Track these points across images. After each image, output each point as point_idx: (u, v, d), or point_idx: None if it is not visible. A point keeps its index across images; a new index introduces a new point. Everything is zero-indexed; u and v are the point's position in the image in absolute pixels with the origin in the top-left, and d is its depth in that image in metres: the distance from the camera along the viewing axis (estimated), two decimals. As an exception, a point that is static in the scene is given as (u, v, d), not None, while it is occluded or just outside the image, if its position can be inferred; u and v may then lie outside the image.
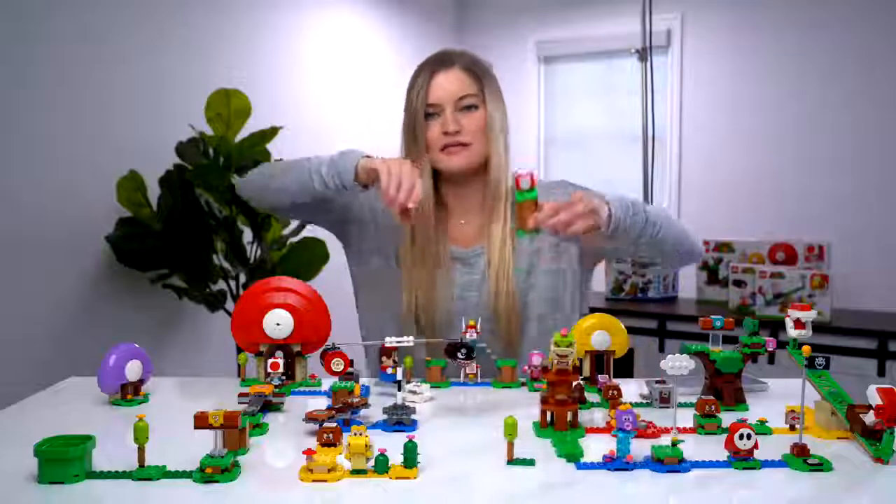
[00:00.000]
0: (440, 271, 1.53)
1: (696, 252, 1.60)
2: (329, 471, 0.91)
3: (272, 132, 2.67)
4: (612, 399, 1.20)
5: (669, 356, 1.04)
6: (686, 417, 1.15)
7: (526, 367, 1.36)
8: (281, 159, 2.84)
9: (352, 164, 1.40)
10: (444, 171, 1.54)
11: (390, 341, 1.23)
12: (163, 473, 0.92)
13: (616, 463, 0.95)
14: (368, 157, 1.41)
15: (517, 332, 1.51)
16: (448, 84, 1.51)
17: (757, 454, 0.96)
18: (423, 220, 1.51)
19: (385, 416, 1.13)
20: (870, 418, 1.02)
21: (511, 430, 0.95)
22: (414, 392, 1.26)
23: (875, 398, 1.01)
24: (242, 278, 2.77)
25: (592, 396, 1.28)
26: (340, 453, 0.95)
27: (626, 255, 1.55)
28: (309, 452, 0.92)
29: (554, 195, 1.50)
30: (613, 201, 1.40)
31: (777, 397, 1.30)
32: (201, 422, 0.94)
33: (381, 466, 0.92)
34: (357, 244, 1.60)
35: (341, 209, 1.57)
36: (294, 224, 2.85)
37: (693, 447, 1.03)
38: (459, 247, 1.57)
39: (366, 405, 1.13)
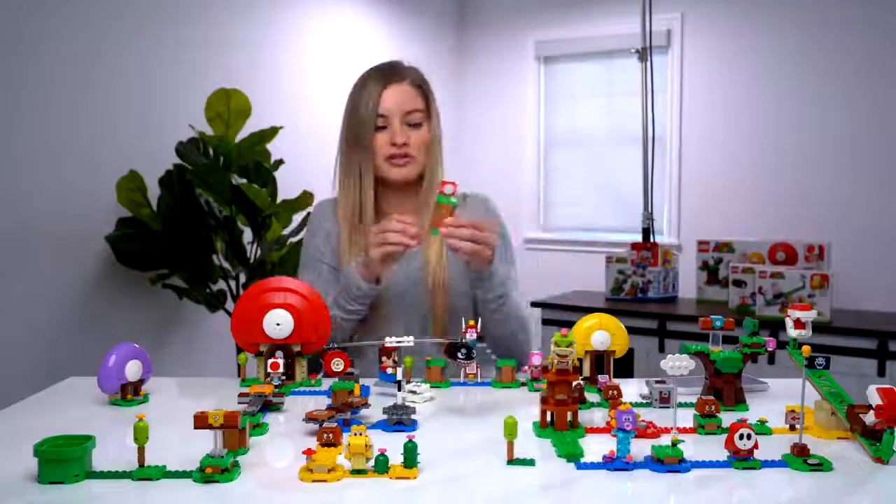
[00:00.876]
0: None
1: (525, 351, 1.58)
2: (329, 471, 0.91)
3: (272, 132, 2.68)
4: (612, 399, 1.20)
5: (669, 356, 1.04)
6: (686, 417, 1.15)
7: (526, 367, 1.36)
8: (281, 160, 2.86)
9: (355, 275, 1.48)
10: (386, 180, 1.59)
11: (390, 341, 1.23)
12: (163, 473, 0.92)
13: (616, 463, 0.95)
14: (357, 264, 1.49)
15: (448, 322, 1.56)
16: (399, 97, 1.56)
17: (757, 454, 0.96)
18: (362, 225, 1.57)
19: (385, 416, 1.13)
20: (870, 418, 1.02)
21: (511, 430, 0.95)
22: (414, 392, 1.26)
23: (875, 398, 1.01)
24: (242, 278, 2.77)
25: (592, 396, 1.28)
26: (340, 453, 0.95)
27: (481, 306, 1.56)
28: (309, 452, 0.92)
29: (470, 207, 1.64)
30: (498, 253, 1.50)
31: (777, 397, 1.30)
32: (201, 422, 0.94)
33: (381, 466, 0.92)
34: None
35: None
36: (294, 224, 2.85)
37: (693, 447, 1.03)
38: None
39: (366, 405, 1.13)
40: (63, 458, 0.89)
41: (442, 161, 1.64)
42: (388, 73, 1.58)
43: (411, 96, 1.58)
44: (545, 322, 3.41)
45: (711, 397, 1.12)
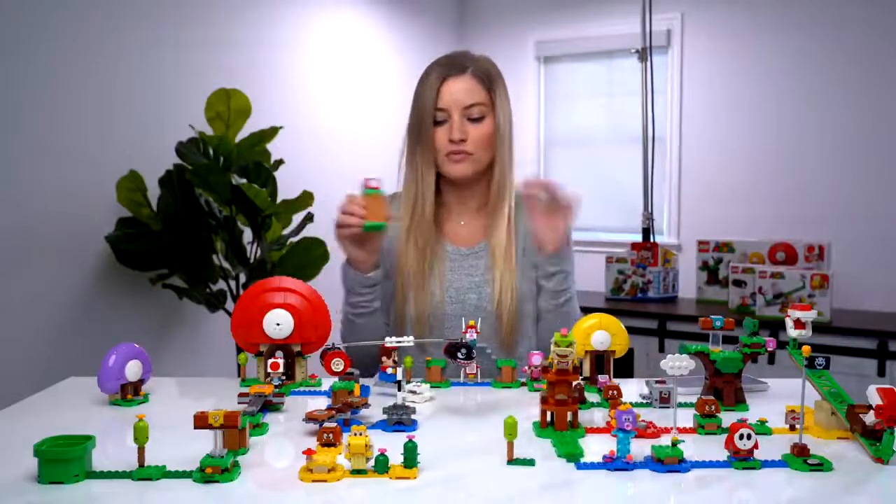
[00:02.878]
0: (436, 270, 1.53)
1: None
2: (329, 471, 0.91)
3: (272, 132, 2.67)
4: (612, 399, 1.20)
5: (669, 356, 1.04)
6: (686, 417, 1.15)
7: (526, 368, 1.36)
8: (281, 160, 2.85)
9: (347, 270, 1.48)
10: (446, 176, 1.55)
11: (390, 341, 1.23)
12: (163, 473, 0.92)
13: (616, 463, 0.95)
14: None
15: (515, 332, 1.52)
16: (458, 91, 1.50)
17: (757, 454, 0.96)
18: (422, 220, 1.53)
19: (385, 416, 1.13)
20: (870, 418, 1.02)
21: (511, 430, 0.95)
22: (414, 392, 1.26)
23: (875, 398, 1.01)
24: (242, 278, 2.77)
25: (592, 396, 1.28)
26: (340, 453, 0.95)
27: (544, 303, 1.56)
28: (309, 452, 0.92)
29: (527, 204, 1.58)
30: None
31: (777, 397, 1.30)
32: (201, 422, 0.94)
33: (381, 466, 0.92)
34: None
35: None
36: (294, 224, 2.85)
37: (693, 447, 1.03)
38: (458, 246, 1.58)
39: (366, 405, 1.13)
40: (63, 458, 0.89)
41: (511, 155, 1.57)
42: (448, 65, 1.53)
43: (472, 88, 1.51)
44: (545, 322, 3.41)
45: (711, 397, 1.12)
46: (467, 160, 1.52)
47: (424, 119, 1.51)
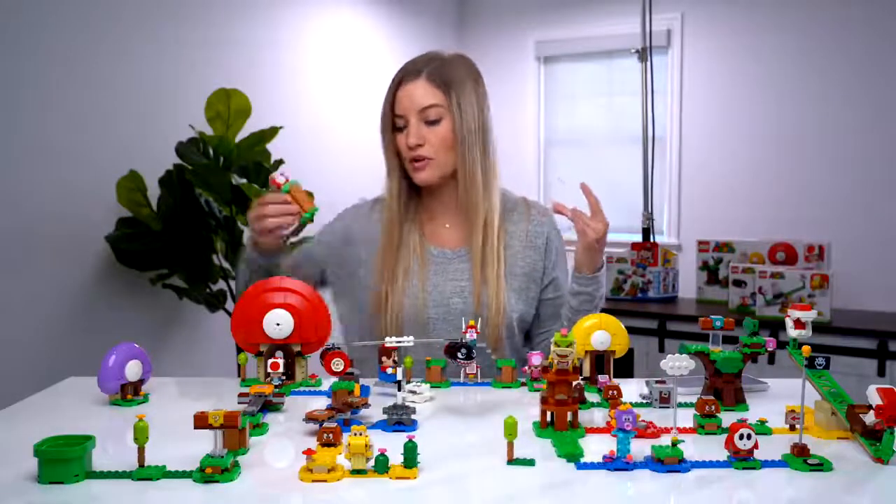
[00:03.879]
0: (419, 273, 1.51)
1: None
2: (329, 471, 0.91)
3: (272, 132, 2.68)
4: (612, 399, 1.20)
5: (669, 356, 1.04)
6: (686, 417, 1.15)
7: (526, 368, 1.36)
8: (281, 160, 2.86)
9: (256, 255, 1.50)
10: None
11: (390, 341, 1.22)
12: (163, 473, 0.92)
13: (616, 463, 0.95)
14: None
15: (500, 339, 1.51)
16: (412, 95, 1.48)
17: (757, 454, 0.96)
18: (393, 224, 1.53)
19: (385, 416, 1.13)
20: (870, 418, 1.02)
21: (511, 430, 0.95)
22: (414, 392, 1.26)
23: (875, 398, 1.01)
24: (242, 278, 2.77)
25: (592, 396, 1.28)
26: (340, 453, 0.95)
27: (568, 309, 1.56)
28: (309, 452, 0.92)
29: (536, 216, 1.62)
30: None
31: (777, 397, 1.30)
32: (201, 422, 0.94)
33: (381, 466, 0.92)
34: (342, 269, 1.60)
35: (309, 268, 1.59)
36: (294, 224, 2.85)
37: (693, 447, 1.03)
38: (443, 248, 1.56)
39: (366, 405, 1.13)
40: (63, 458, 0.89)
41: (484, 156, 1.52)
42: (404, 70, 1.52)
43: (426, 91, 1.48)
44: (545, 322, 3.41)
45: (711, 397, 1.12)
46: (428, 166, 1.50)
47: (384, 125, 1.52)
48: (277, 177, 1.41)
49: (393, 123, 1.52)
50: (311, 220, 1.43)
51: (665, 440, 1.00)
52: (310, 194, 1.42)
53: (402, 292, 1.50)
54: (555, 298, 1.61)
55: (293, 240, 1.53)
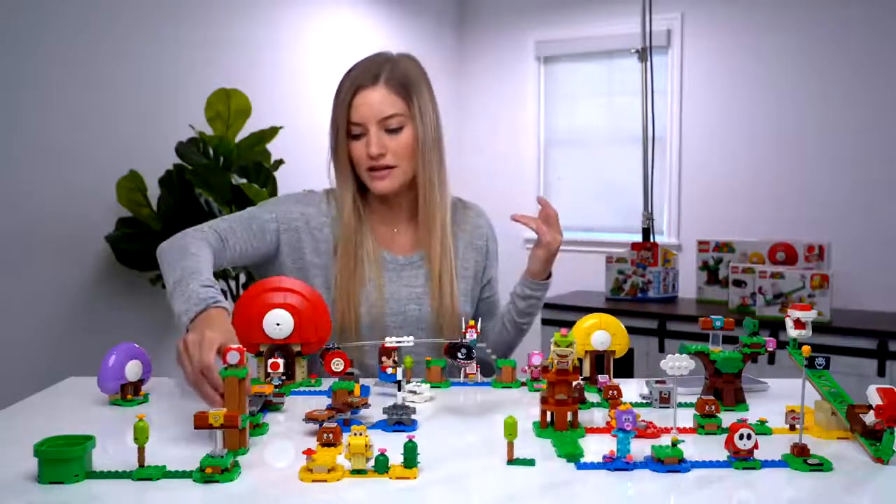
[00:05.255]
0: (374, 279, 1.49)
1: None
2: (329, 471, 0.91)
3: (272, 132, 2.68)
4: (612, 399, 1.20)
5: (669, 356, 1.04)
6: (686, 417, 1.15)
7: (525, 368, 1.36)
8: (281, 160, 2.85)
9: (180, 311, 1.21)
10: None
11: (390, 341, 1.23)
12: (163, 473, 0.92)
13: (616, 463, 0.95)
14: (194, 317, 1.19)
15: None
16: (372, 103, 1.42)
17: (757, 454, 0.96)
18: (348, 233, 1.48)
19: (385, 416, 1.13)
20: (870, 418, 1.02)
21: (511, 430, 0.95)
22: (414, 392, 1.26)
23: (875, 398, 1.01)
24: (242, 278, 2.77)
25: (592, 396, 1.28)
26: (340, 453, 0.95)
27: (508, 314, 1.60)
28: (309, 452, 0.92)
29: (473, 216, 1.63)
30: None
31: (777, 397, 1.30)
32: (201, 422, 0.94)
33: (381, 466, 0.92)
34: (294, 260, 1.51)
35: (269, 238, 1.49)
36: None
37: (693, 447, 1.03)
38: (395, 255, 1.54)
39: (366, 405, 1.13)
40: (63, 458, 0.89)
41: (440, 161, 1.50)
42: (360, 76, 1.44)
43: (386, 100, 1.43)
44: (545, 322, 3.42)
45: (711, 397, 1.12)
46: (390, 175, 1.45)
47: (339, 135, 1.45)
48: (228, 356, 1.04)
49: (348, 131, 1.46)
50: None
51: (665, 440, 1.00)
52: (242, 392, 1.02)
53: (358, 301, 1.47)
54: (489, 297, 1.65)
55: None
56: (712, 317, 1.25)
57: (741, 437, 0.96)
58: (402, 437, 0.95)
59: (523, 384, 1.37)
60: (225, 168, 2.64)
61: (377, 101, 1.43)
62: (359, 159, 1.46)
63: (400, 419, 1.11)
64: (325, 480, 0.90)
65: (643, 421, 1.08)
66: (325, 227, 1.52)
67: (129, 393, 1.25)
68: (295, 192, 1.61)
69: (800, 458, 0.96)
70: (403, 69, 1.47)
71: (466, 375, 1.38)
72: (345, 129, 1.45)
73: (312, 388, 1.35)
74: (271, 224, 1.49)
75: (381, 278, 1.50)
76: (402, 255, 1.54)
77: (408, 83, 1.46)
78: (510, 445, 0.96)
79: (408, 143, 1.45)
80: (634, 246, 3.56)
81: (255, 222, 1.47)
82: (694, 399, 1.17)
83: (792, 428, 1.10)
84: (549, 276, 1.57)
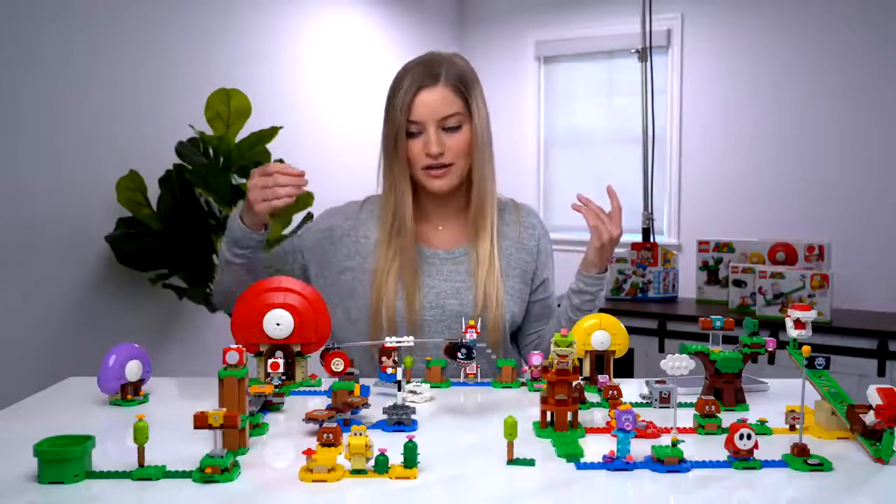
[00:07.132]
0: (414, 274, 1.50)
1: None
2: (329, 471, 0.91)
3: (272, 132, 2.67)
4: (612, 399, 1.20)
5: (669, 356, 1.04)
6: (686, 417, 1.15)
7: (526, 368, 1.36)
8: (282, 160, 2.85)
9: (234, 219, 1.45)
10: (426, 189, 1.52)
11: (390, 341, 1.23)
12: (163, 473, 0.92)
13: (616, 463, 0.95)
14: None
15: (499, 340, 1.51)
16: (433, 102, 1.45)
17: (757, 454, 0.96)
18: (401, 233, 1.50)
19: (385, 416, 1.13)
20: (870, 418, 1.02)
21: (511, 430, 0.95)
22: (414, 392, 1.26)
23: (875, 398, 1.01)
24: (242, 278, 2.77)
25: (592, 396, 1.28)
26: (340, 453, 0.95)
27: (568, 307, 1.56)
28: (309, 452, 0.92)
29: (525, 217, 1.63)
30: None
31: (777, 397, 1.30)
32: (201, 422, 0.94)
33: (381, 466, 0.92)
34: (327, 271, 1.57)
35: (292, 260, 1.58)
36: (294, 224, 2.85)
37: (693, 447, 1.03)
38: (436, 249, 1.55)
39: (366, 405, 1.13)
40: (63, 458, 0.89)
41: (492, 159, 1.53)
42: (421, 76, 1.46)
43: (447, 99, 1.45)
44: (545, 322, 3.41)
45: (711, 397, 1.12)
46: (448, 173, 1.48)
47: (398, 132, 1.46)
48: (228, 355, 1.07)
49: (406, 130, 1.48)
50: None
51: (665, 440, 1.00)
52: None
53: (395, 294, 1.49)
54: (545, 299, 1.62)
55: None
56: (712, 317, 1.25)
57: (741, 437, 0.96)
58: (402, 437, 0.95)
59: (523, 384, 1.37)
60: (225, 168, 2.64)
61: (438, 100, 1.45)
62: (416, 158, 1.48)
63: (400, 419, 1.11)
64: (325, 480, 0.90)
65: (643, 421, 1.08)
66: (353, 230, 1.55)
67: (129, 393, 1.25)
68: (335, 206, 1.65)
69: (800, 458, 0.96)
70: (460, 68, 1.50)
71: (466, 375, 1.38)
72: (404, 129, 1.47)
73: (312, 388, 1.35)
74: (295, 254, 1.58)
75: (419, 273, 1.51)
76: (443, 249, 1.55)
77: (466, 82, 1.49)
78: (510, 445, 0.96)
79: (465, 142, 1.48)
80: (634, 246, 3.56)
81: (287, 245, 1.60)
82: (694, 399, 1.17)
83: (792, 428, 1.10)
84: (606, 270, 1.53)
